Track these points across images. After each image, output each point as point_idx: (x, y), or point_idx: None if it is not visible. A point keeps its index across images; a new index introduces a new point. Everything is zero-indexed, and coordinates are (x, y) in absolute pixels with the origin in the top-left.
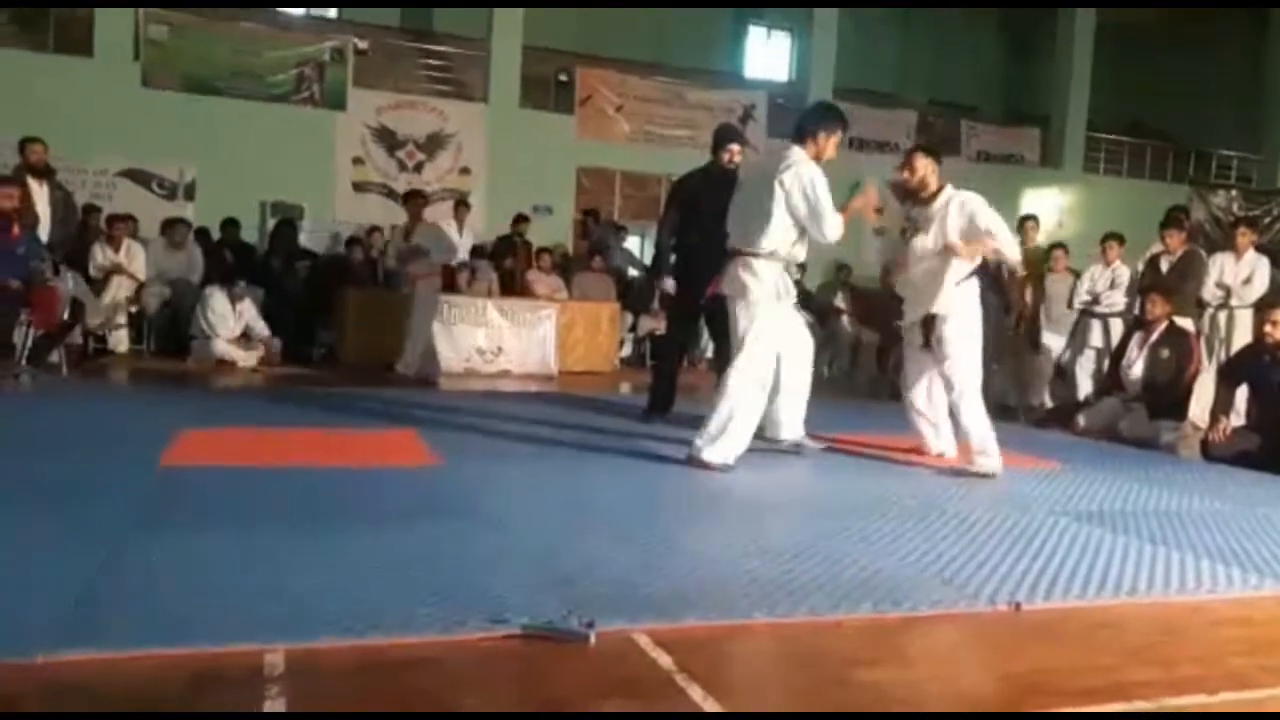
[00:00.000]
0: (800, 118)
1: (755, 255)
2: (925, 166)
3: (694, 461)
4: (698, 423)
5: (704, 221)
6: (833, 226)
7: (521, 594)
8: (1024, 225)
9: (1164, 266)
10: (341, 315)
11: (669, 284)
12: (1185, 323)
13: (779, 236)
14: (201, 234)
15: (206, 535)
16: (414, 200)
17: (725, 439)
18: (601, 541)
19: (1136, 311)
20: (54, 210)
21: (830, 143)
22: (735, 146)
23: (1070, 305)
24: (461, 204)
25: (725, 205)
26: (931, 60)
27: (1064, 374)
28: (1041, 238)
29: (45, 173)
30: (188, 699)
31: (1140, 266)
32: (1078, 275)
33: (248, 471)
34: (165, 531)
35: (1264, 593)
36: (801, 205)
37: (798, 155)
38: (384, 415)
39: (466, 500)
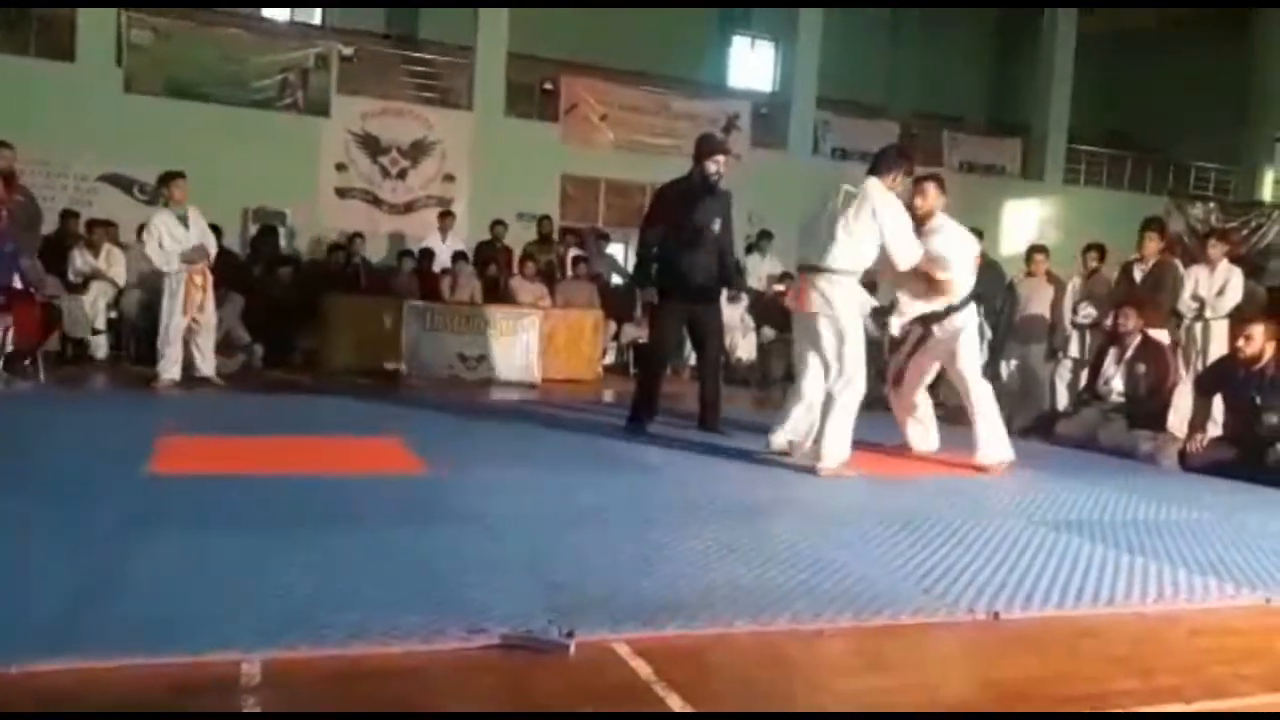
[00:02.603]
0: (878, 155)
1: (835, 271)
2: (935, 196)
3: (824, 474)
4: (682, 430)
5: (685, 230)
6: (914, 253)
7: (505, 601)
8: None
9: (1138, 275)
10: (324, 321)
11: (651, 292)
12: (1160, 335)
13: (862, 255)
14: None
15: (189, 542)
16: (170, 183)
17: (837, 448)
18: (585, 548)
19: (1108, 323)
20: (17, 216)
21: (896, 181)
22: (721, 158)
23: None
24: (446, 214)
25: (706, 214)
26: (916, 70)
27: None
28: (1021, 248)
29: (8, 178)
30: (166, 709)
31: (1114, 275)
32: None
33: (231, 479)
34: (148, 538)
35: (1241, 602)
36: (898, 230)
37: (879, 185)
38: (369, 422)
39: (451, 507)
